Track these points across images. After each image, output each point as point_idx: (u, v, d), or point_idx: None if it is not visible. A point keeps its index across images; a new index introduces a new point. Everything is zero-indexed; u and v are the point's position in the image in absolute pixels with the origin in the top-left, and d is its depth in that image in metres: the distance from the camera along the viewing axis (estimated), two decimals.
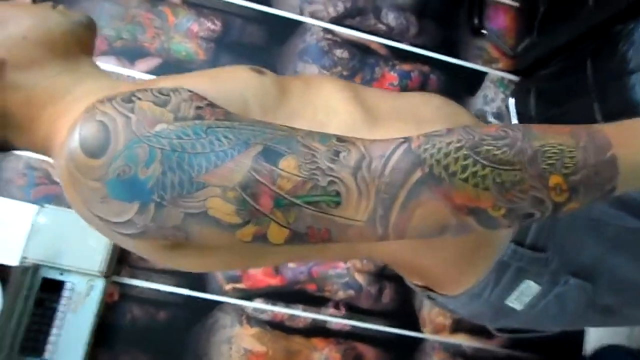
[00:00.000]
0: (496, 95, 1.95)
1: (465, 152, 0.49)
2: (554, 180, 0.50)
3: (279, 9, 1.84)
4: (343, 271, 1.69)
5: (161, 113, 0.47)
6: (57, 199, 1.54)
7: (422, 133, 0.52)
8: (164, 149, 0.45)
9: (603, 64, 1.43)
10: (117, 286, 1.57)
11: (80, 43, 0.64)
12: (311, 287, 1.66)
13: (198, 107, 0.50)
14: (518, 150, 0.49)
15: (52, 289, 1.44)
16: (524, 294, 0.70)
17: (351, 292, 1.69)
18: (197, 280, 1.62)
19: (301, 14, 1.86)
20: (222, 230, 0.47)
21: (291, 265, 1.65)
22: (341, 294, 1.68)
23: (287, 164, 0.47)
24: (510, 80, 1.96)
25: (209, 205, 0.46)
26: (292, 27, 1.84)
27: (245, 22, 1.81)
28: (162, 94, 0.49)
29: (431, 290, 0.78)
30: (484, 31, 1.94)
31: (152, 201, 0.46)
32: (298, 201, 0.47)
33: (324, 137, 0.50)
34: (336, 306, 1.68)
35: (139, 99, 0.48)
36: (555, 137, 0.51)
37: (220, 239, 0.48)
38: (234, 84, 0.61)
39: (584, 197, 0.51)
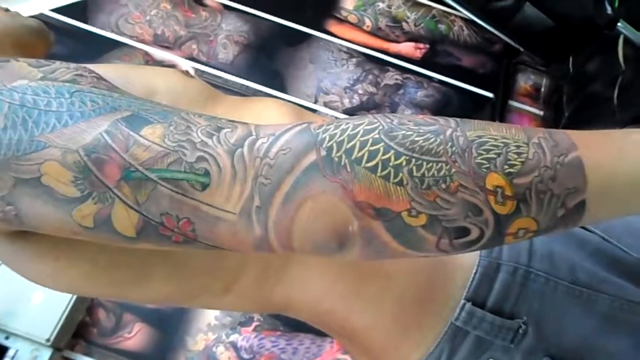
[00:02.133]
0: None
1: (376, 136, 0.37)
2: (493, 180, 0.36)
3: (294, 96, 1.83)
4: None
5: (29, 71, 0.41)
6: None
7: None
8: (12, 103, 0.38)
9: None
10: None
11: (19, 45, 0.63)
12: None
13: (78, 75, 0.42)
14: (446, 138, 0.37)
15: None
16: None
17: None
18: None
19: (315, 102, 1.84)
20: (57, 205, 0.37)
21: None
22: None
23: (151, 131, 0.37)
24: None
25: (44, 170, 0.36)
26: None
27: None
28: (48, 62, 0.43)
29: None
30: None
31: None
32: (152, 175, 0.36)
33: (213, 117, 0.41)
34: None
35: (18, 60, 0.42)
36: (499, 129, 0.38)
37: (57, 220, 0.37)
38: (152, 75, 0.54)
39: (538, 212, 0.36)
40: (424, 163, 0.36)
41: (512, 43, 1.96)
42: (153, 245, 0.40)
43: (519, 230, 0.37)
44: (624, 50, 1.42)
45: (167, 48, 1.85)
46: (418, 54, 1.96)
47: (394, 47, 1.96)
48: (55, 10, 1.89)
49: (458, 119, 0.39)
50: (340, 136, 0.37)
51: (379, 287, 0.53)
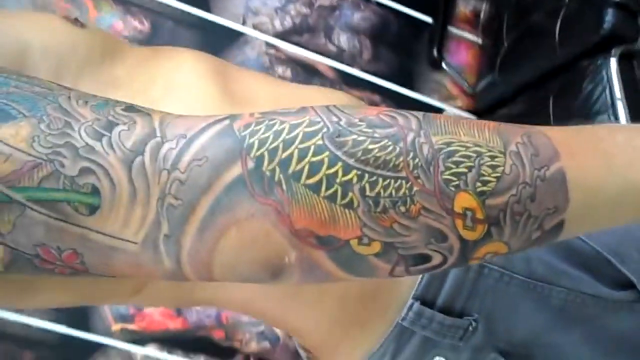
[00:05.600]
0: None
1: (319, 142, 0.29)
2: (463, 201, 0.29)
3: (220, 16, 1.65)
4: None
5: None
6: None
7: (263, 110, 0.32)
8: None
9: (567, 104, 1.27)
10: None
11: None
12: (218, 335, 1.41)
13: None
14: (407, 147, 0.29)
15: None
16: None
17: (266, 344, 1.43)
18: (79, 316, 1.34)
19: (243, 24, 1.67)
20: None
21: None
22: (254, 346, 1.42)
23: (14, 131, 0.27)
24: None
25: None
26: (231, 37, 1.65)
27: (177, 25, 1.61)
28: None
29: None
30: (443, 65, 1.79)
31: None
32: (17, 196, 0.26)
33: (104, 103, 0.30)
34: None
35: None
36: (470, 133, 0.31)
37: None
38: (24, 27, 0.41)
39: (511, 235, 0.30)
40: (380, 180, 0.28)
41: None
42: (31, 276, 0.30)
43: (486, 254, 0.30)
44: None
45: None
46: None
47: None
48: None
49: (420, 116, 0.31)
50: (272, 142, 0.28)
51: (319, 288, 0.47)
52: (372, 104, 1.71)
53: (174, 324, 1.39)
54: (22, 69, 0.38)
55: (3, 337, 1.29)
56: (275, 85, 0.53)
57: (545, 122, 1.33)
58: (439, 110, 1.77)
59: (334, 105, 0.31)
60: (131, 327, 1.36)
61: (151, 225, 0.28)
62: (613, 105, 1.08)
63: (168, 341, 1.38)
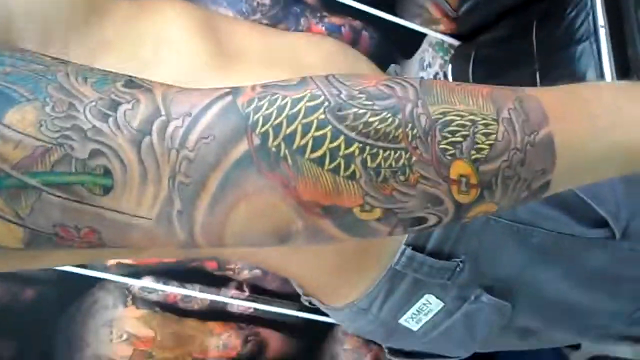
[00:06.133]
0: (434, 60, 1.77)
1: (321, 117, 0.30)
2: (459, 168, 0.31)
3: None
4: None
5: None
6: None
7: (261, 82, 0.32)
8: None
9: (549, 30, 1.26)
10: None
11: None
12: (211, 265, 1.46)
13: None
14: (406, 118, 0.30)
15: None
16: (422, 312, 0.53)
17: (257, 271, 1.50)
18: None
19: None
20: None
21: None
22: (246, 274, 1.49)
23: (20, 116, 0.27)
24: (450, 45, 1.78)
25: None
26: None
27: None
28: None
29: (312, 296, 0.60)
30: None
31: None
32: (32, 181, 0.27)
33: (103, 79, 0.30)
34: (239, 287, 1.48)
35: None
36: (465, 101, 0.32)
37: None
38: None
39: (501, 197, 0.32)
40: (380, 151, 0.30)
41: None
42: (50, 251, 0.32)
43: (478, 213, 0.33)
44: None
45: None
46: None
47: None
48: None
49: (417, 84, 0.32)
50: (276, 117, 0.30)
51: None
52: (354, 30, 1.68)
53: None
54: (8, 38, 0.37)
55: (4, 275, 1.33)
56: (265, 36, 0.52)
57: (529, 47, 1.33)
58: (422, 35, 1.75)
59: (333, 76, 0.32)
60: (126, 261, 1.40)
61: (164, 202, 0.29)
62: (596, 32, 1.08)
63: (163, 273, 1.43)
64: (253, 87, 0.31)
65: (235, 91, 0.30)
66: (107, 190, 0.28)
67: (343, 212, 0.31)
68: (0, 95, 0.27)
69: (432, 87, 0.32)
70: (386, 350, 0.60)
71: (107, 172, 0.28)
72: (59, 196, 0.28)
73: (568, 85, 0.36)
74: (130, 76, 0.31)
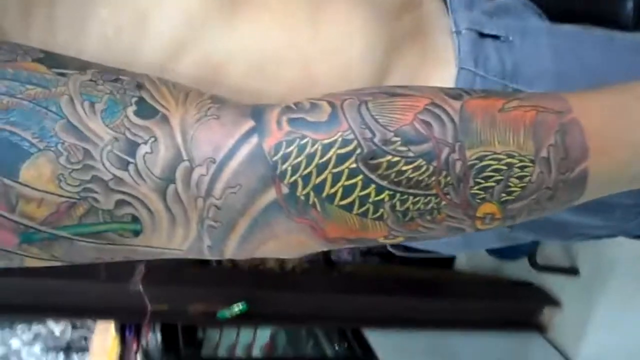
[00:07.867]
0: None
1: (353, 165, 0.29)
2: (486, 208, 0.31)
3: None
4: None
5: None
6: None
7: (286, 114, 0.30)
8: None
9: None
10: None
11: None
12: None
13: None
14: (441, 166, 0.29)
15: None
16: None
17: None
18: None
19: None
20: None
21: None
22: None
23: (36, 173, 0.26)
24: None
25: None
26: None
27: None
28: None
29: None
30: None
31: None
32: (63, 233, 0.27)
33: (113, 104, 0.28)
34: None
35: None
36: (505, 140, 0.30)
37: None
38: None
39: (518, 220, 0.33)
40: (410, 197, 0.30)
41: None
42: None
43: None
44: None
45: None
46: None
47: None
48: None
49: (457, 117, 0.30)
50: (306, 167, 0.29)
51: None
52: None
53: None
54: None
55: None
56: None
57: None
58: None
59: (366, 106, 0.29)
60: None
61: (194, 241, 0.30)
62: None
63: None
64: (279, 124, 0.29)
65: (260, 130, 0.29)
66: (137, 233, 0.29)
67: (367, 241, 0.32)
68: (9, 148, 0.26)
69: (473, 121, 0.30)
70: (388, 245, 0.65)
71: (135, 219, 0.28)
72: (91, 242, 0.28)
73: (624, 92, 0.33)
74: (139, 85, 0.29)
